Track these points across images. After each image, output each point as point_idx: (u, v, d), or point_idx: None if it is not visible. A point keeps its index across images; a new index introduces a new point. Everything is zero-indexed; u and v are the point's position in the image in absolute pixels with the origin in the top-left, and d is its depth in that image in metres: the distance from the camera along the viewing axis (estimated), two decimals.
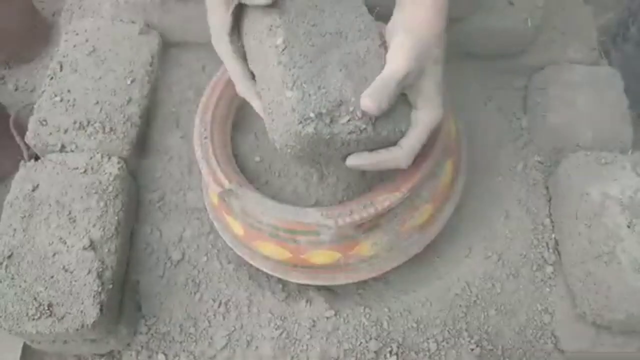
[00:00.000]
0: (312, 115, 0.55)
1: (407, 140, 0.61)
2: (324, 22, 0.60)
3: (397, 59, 0.58)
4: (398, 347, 0.78)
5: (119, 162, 0.83)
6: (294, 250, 0.72)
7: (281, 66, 0.56)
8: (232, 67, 0.65)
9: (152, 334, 0.81)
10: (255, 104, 0.64)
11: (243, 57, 0.64)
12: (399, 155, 0.61)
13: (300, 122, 0.54)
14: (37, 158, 0.85)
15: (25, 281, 0.73)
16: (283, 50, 0.57)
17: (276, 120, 0.57)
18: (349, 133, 0.56)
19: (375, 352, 0.78)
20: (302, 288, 0.82)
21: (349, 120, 0.56)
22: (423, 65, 0.59)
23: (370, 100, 0.56)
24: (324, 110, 0.55)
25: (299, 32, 0.58)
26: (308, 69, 0.56)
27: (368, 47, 0.60)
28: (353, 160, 0.60)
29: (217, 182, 0.71)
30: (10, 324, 0.71)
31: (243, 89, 0.65)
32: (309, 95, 0.55)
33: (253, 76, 0.64)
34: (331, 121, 0.56)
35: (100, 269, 0.74)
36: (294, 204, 0.71)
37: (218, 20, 0.64)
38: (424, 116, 0.61)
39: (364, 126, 0.57)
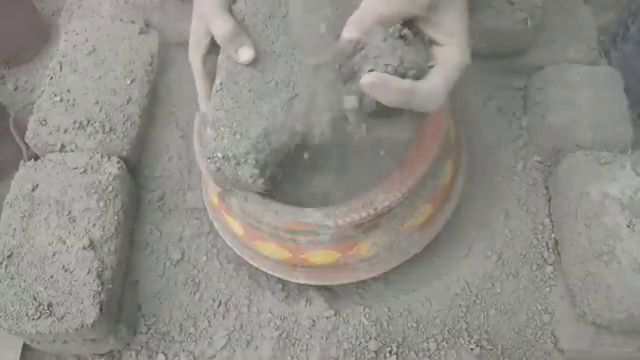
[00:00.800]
0: (219, 155, 0.59)
1: (435, 79, 0.52)
2: (275, 70, 0.60)
3: None
4: (398, 347, 0.78)
5: (119, 162, 0.83)
6: (294, 251, 0.72)
7: (211, 105, 0.61)
8: (198, 84, 0.65)
9: (152, 334, 0.81)
10: None
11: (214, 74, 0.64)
12: (430, 88, 0.52)
13: (209, 158, 0.60)
14: (36, 158, 0.85)
15: (25, 281, 0.73)
16: (217, 92, 0.61)
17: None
18: (251, 177, 0.59)
19: (375, 352, 0.78)
20: (302, 288, 0.82)
21: (254, 167, 0.59)
22: None
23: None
24: (230, 155, 0.59)
25: (240, 77, 0.60)
26: (233, 113, 0.59)
27: None
28: (369, 78, 0.51)
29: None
30: (10, 324, 0.71)
31: (202, 107, 0.66)
32: (222, 138, 0.59)
33: None
34: (237, 164, 0.59)
35: (100, 269, 0.74)
36: (294, 204, 0.71)
37: (196, 38, 0.63)
38: (450, 55, 0.53)
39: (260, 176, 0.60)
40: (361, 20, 0.53)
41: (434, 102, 0.53)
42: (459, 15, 0.54)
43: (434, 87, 0.52)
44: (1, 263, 0.74)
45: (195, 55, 0.63)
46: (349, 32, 0.53)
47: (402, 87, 0.51)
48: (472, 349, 0.78)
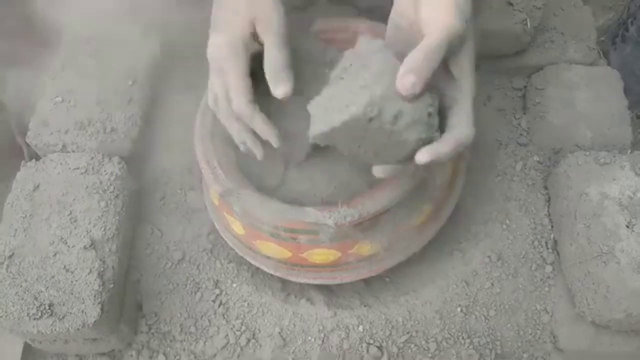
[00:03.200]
0: None
1: (463, 113, 0.55)
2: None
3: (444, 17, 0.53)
4: (398, 347, 0.79)
5: (119, 162, 0.84)
6: (294, 250, 0.72)
7: None
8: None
9: (152, 334, 0.81)
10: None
11: None
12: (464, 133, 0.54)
13: None
14: (37, 158, 0.85)
15: (26, 281, 0.73)
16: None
17: None
18: None
19: (375, 352, 0.78)
20: (302, 288, 0.82)
21: None
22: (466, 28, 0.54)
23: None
24: None
25: None
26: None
27: None
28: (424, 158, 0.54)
29: (217, 182, 0.72)
30: (11, 323, 0.71)
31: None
32: None
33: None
34: None
35: (101, 269, 0.74)
36: (294, 203, 0.72)
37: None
38: (467, 87, 0.55)
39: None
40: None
41: (469, 136, 0.55)
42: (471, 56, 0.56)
43: (465, 131, 0.54)
44: (2, 263, 0.74)
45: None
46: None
47: (450, 149, 0.54)
48: (472, 349, 0.78)
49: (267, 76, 0.60)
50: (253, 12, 0.59)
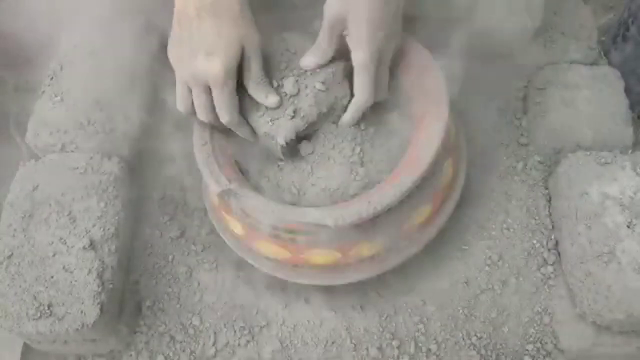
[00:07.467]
0: None
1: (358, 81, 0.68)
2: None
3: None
4: (398, 347, 0.78)
5: (119, 162, 0.83)
6: (294, 250, 0.72)
7: None
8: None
9: (152, 334, 0.81)
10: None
11: None
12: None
13: None
14: (36, 158, 0.85)
15: (25, 281, 0.73)
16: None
17: None
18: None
19: (375, 352, 0.78)
20: (302, 288, 0.82)
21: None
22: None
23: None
24: None
25: None
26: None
27: None
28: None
29: (217, 182, 0.71)
30: (10, 324, 0.71)
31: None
32: None
33: None
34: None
35: (101, 269, 0.74)
36: (294, 203, 0.71)
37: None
38: (361, 57, 0.66)
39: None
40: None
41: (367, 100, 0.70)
42: (367, 20, 0.66)
43: (361, 97, 0.70)
44: (1, 263, 0.74)
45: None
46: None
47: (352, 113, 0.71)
48: (472, 349, 0.78)
49: (254, 88, 0.69)
50: (241, 37, 0.67)
